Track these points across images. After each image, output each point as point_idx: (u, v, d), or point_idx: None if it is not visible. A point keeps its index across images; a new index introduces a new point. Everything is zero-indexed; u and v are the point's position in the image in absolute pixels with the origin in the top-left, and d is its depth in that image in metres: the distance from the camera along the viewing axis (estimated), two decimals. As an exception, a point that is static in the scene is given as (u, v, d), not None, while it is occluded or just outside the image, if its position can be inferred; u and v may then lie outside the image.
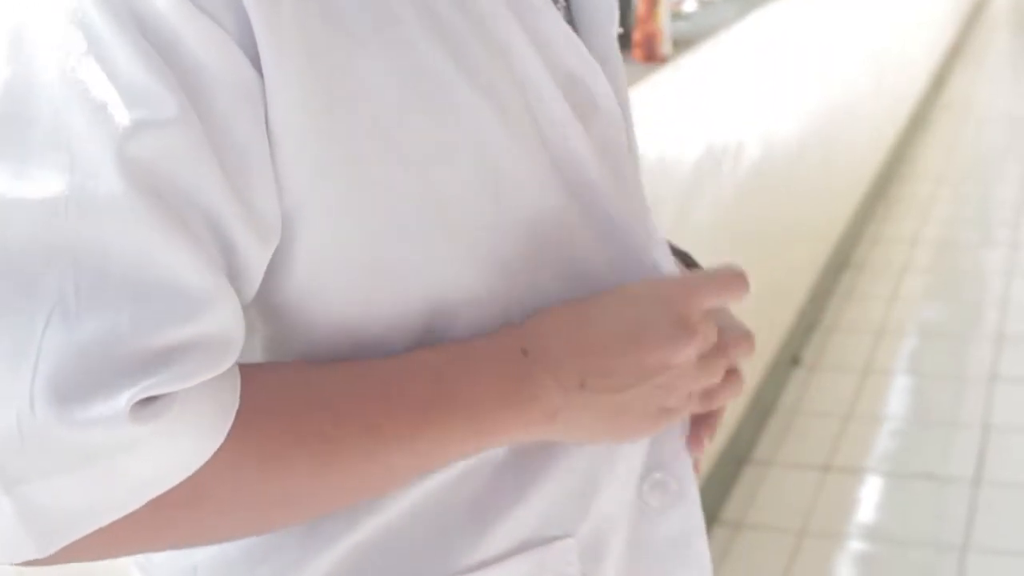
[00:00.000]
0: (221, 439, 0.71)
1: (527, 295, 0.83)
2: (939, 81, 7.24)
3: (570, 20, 0.90)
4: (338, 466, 0.76)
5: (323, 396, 0.77)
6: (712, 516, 2.99)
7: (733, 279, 0.89)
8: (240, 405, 0.72)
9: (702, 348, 0.85)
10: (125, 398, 0.66)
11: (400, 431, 0.77)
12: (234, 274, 0.73)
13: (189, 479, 0.70)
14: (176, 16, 0.68)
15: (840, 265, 4.56)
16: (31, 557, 0.70)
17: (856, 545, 3.00)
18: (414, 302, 0.79)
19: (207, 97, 0.69)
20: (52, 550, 0.69)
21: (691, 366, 0.85)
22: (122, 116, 0.67)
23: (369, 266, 0.77)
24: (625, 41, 2.72)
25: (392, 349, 0.79)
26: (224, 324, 0.70)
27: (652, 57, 2.66)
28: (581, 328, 0.83)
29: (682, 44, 2.83)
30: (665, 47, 2.69)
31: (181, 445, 0.69)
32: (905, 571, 2.89)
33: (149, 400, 0.67)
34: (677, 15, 3.12)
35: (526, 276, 0.82)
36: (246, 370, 0.74)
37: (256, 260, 0.74)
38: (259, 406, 0.74)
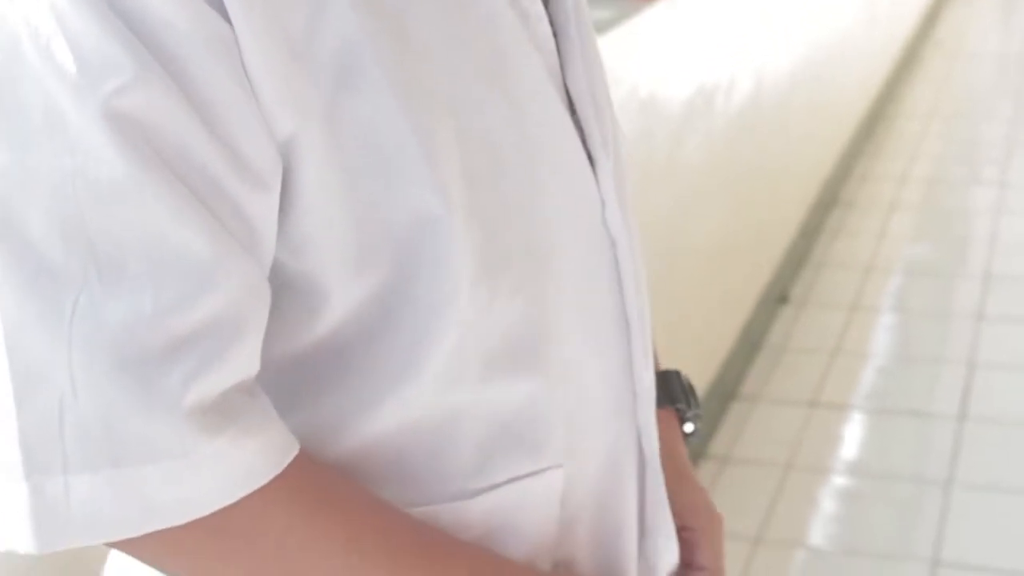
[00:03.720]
0: (261, 481, 0.73)
1: (489, 209, 0.83)
2: (930, 19, 7.21)
3: None
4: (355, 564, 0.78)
5: (383, 508, 0.80)
6: (700, 451, 3.01)
7: None
8: (310, 467, 0.76)
9: None
10: (171, 386, 0.68)
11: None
12: (245, 228, 0.73)
13: (245, 515, 0.73)
14: None
15: (829, 203, 4.57)
16: (28, 551, 0.70)
17: (842, 480, 3.04)
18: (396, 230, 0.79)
19: (180, 55, 0.70)
20: (50, 550, 0.70)
21: None
22: (100, 89, 0.68)
23: (353, 202, 0.78)
24: (618, -24, 2.70)
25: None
26: (241, 291, 0.72)
27: (645, -7, 2.65)
28: None
29: (675, -21, 2.82)
30: (658, -18, 2.68)
31: (214, 474, 0.71)
32: (890, 506, 2.92)
33: (209, 413, 0.70)
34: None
35: (485, 190, 0.82)
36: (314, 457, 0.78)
37: (260, 209, 0.74)
38: (328, 478, 0.78)
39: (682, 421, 1.11)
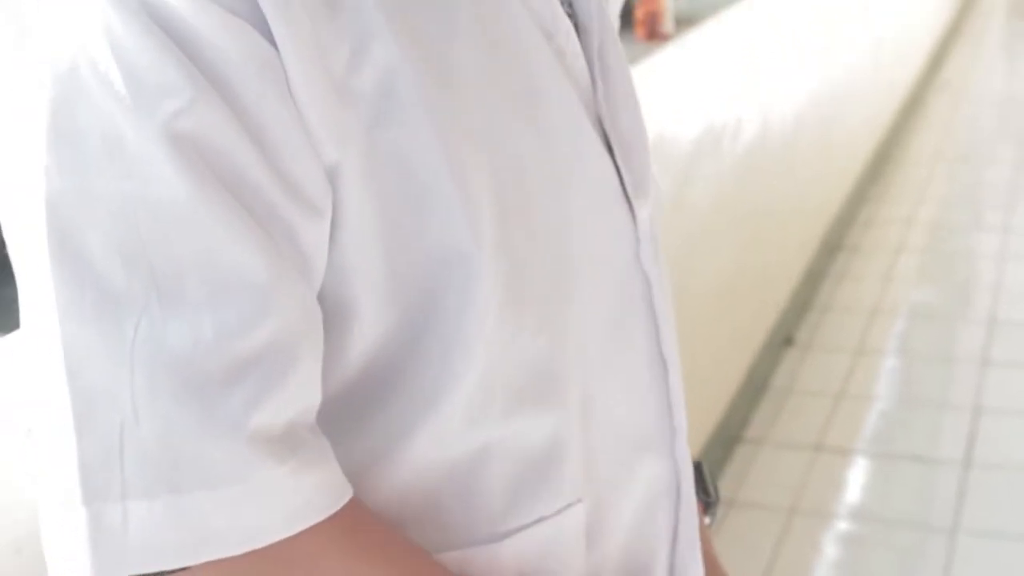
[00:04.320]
0: (322, 515, 0.73)
1: (518, 243, 0.83)
2: (936, 62, 7.23)
3: None
4: None
5: (422, 557, 0.81)
6: (704, 494, 3.00)
7: None
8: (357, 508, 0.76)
9: None
10: (232, 411, 0.68)
11: None
12: (299, 253, 0.73)
13: (298, 548, 0.72)
14: (190, 11, 0.69)
15: (835, 246, 4.57)
16: None
17: (846, 525, 3.02)
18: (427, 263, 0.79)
19: (233, 80, 0.70)
20: None
21: None
22: (158, 112, 0.68)
23: (388, 231, 0.78)
24: (627, 19, 2.71)
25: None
26: (297, 316, 0.72)
27: (654, 35, 2.66)
28: None
29: (684, 23, 2.83)
30: (667, 25, 2.69)
31: (272, 504, 0.71)
32: (894, 552, 2.90)
33: (273, 442, 0.70)
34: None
35: (515, 225, 0.82)
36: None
37: (313, 236, 0.74)
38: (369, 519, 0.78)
39: (703, 511, 1.11)
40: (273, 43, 0.71)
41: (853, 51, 4.86)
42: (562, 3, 0.90)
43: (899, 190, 5.35)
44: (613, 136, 0.92)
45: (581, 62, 0.90)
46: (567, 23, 0.88)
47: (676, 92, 2.77)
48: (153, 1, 0.69)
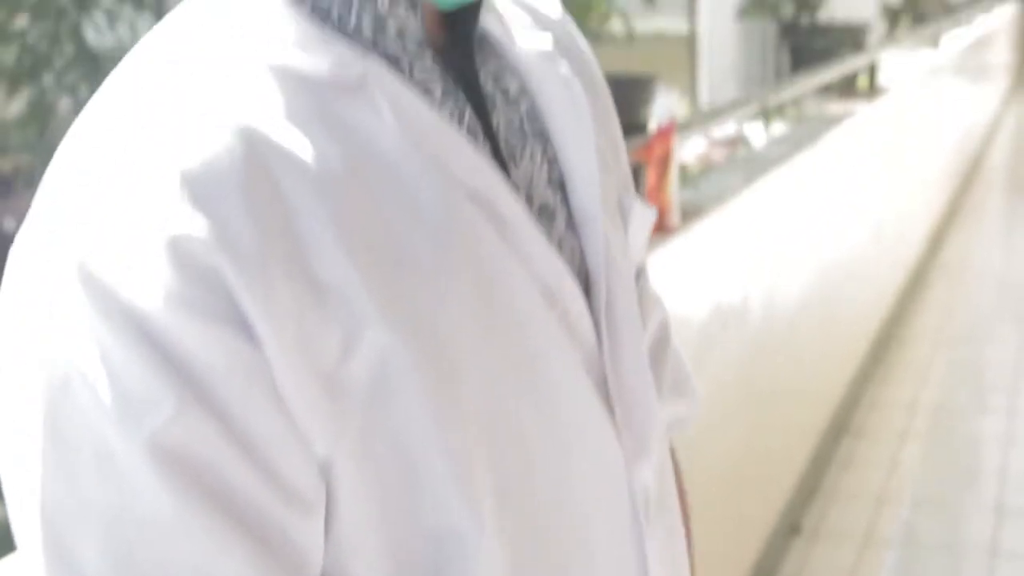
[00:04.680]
0: None
1: (518, 521, 0.81)
2: (935, 243, 7.30)
3: (572, 225, 0.90)
4: None
5: None
6: None
7: None
8: None
9: None
10: None
11: None
12: (295, 553, 0.72)
13: None
14: (175, 324, 0.69)
15: (839, 431, 4.54)
16: None
17: None
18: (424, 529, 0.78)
19: (220, 393, 0.70)
20: None
21: None
22: (143, 426, 0.68)
23: (384, 515, 0.76)
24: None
25: None
26: None
27: (661, 228, 2.69)
28: None
29: (689, 214, 2.86)
30: (673, 218, 2.72)
31: None
32: None
33: None
34: (685, 176, 3.16)
35: (515, 501, 0.81)
36: None
37: (308, 534, 0.73)
38: None
39: None
40: (257, 343, 0.70)
41: (853, 235, 4.90)
42: (572, 260, 0.88)
43: (902, 372, 5.34)
44: (616, 396, 0.89)
45: (587, 321, 0.87)
46: (572, 285, 0.86)
47: (683, 281, 2.78)
48: (140, 316, 0.69)
